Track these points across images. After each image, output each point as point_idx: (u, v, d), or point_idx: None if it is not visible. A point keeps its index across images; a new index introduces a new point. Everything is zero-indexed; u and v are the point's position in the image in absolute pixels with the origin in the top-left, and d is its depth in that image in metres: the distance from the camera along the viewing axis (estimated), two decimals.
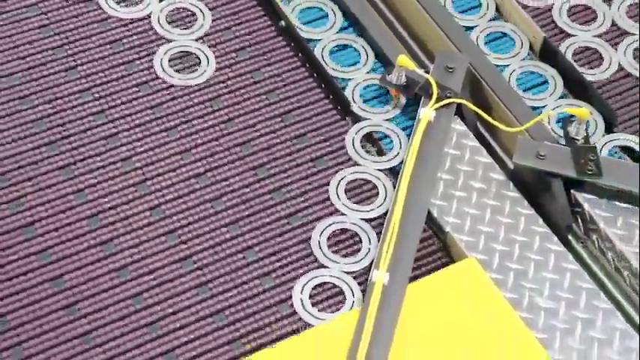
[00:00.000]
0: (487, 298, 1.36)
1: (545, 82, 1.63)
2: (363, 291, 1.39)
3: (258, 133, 1.59)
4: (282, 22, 1.65)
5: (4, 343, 1.34)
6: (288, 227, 1.49)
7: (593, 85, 1.61)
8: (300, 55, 1.65)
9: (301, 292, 1.39)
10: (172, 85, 1.62)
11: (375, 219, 1.46)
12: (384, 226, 1.42)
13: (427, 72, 1.56)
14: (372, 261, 1.42)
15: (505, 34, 1.67)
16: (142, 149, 1.56)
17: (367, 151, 1.54)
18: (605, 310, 1.35)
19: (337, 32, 1.66)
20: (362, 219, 1.46)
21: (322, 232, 1.45)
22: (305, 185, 1.53)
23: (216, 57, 1.65)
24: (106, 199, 1.49)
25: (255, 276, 1.45)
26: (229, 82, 1.63)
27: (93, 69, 1.64)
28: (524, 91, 1.62)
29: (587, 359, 1.32)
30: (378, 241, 1.43)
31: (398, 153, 1.52)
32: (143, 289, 1.41)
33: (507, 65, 1.64)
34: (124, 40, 1.66)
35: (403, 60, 1.54)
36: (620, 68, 1.64)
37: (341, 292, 1.41)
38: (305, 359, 1.32)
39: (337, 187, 1.49)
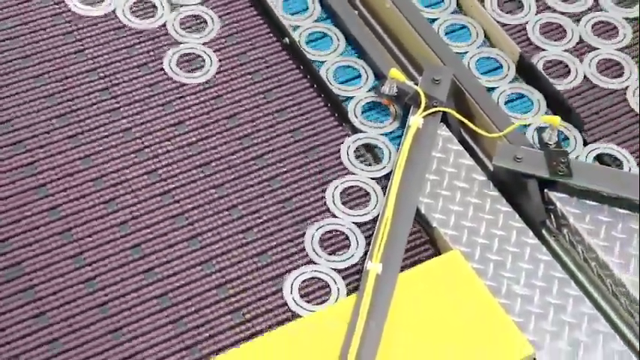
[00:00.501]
0: (469, 286, 1.35)
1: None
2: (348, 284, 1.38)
3: (243, 108, 1.58)
4: (287, 39, 1.64)
5: (20, 286, 1.35)
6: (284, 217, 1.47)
7: (562, 94, 1.60)
8: (302, 68, 1.64)
9: (291, 287, 1.38)
10: (170, 78, 1.60)
11: (365, 223, 1.45)
12: (378, 221, 1.42)
13: (416, 84, 1.56)
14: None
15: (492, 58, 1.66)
16: (140, 121, 1.55)
17: (365, 160, 1.52)
18: (575, 297, 1.36)
19: (340, 54, 1.65)
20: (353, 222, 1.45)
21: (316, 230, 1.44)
22: (301, 179, 1.51)
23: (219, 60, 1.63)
24: (109, 165, 1.49)
25: (240, 230, 1.44)
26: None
27: (99, 51, 1.62)
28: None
29: (559, 341, 1.32)
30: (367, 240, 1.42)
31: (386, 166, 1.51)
32: (141, 241, 1.43)
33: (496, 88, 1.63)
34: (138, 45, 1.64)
35: (395, 73, 1.54)
36: (586, 79, 1.64)
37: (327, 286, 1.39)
38: (306, 341, 1.31)
39: (333, 194, 1.48)
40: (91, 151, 1.50)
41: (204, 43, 1.65)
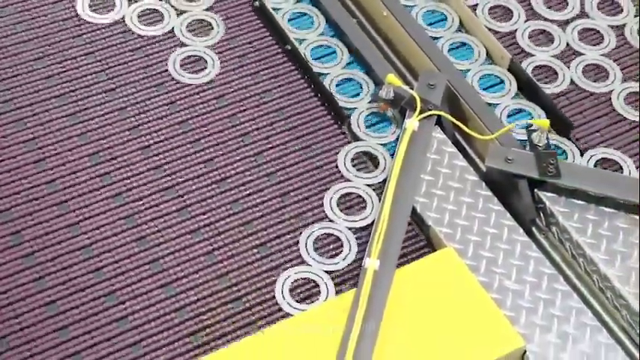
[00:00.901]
0: (463, 282, 1.35)
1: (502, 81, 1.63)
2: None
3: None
4: (288, 46, 1.64)
5: (21, 252, 1.38)
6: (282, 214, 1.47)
7: (549, 96, 1.60)
8: (300, 70, 1.63)
9: (282, 285, 1.38)
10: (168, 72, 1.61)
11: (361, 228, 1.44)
12: (375, 220, 1.42)
13: (412, 88, 1.55)
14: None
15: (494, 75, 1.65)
16: (135, 101, 1.57)
17: (365, 167, 1.52)
18: (564, 291, 1.36)
19: (344, 67, 1.64)
20: (348, 225, 1.44)
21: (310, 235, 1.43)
22: (299, 175, 1.51)
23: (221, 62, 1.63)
24: (105, 141, 1.51)
25: (241, 224, 1.44)
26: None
27: (107, 54, 1.63)
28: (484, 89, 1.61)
29: (548, 334, 1.32)
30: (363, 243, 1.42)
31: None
32: (134, 212, 1.44)
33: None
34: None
35: (392, 78, 1.55)
36: (572, 82, 1.63)
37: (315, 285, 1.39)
38: (306, 335, 1.30)
39: (330, 201, 1.47)
40: (99, 148, 1.50)
41: (207, 46, 1.63)
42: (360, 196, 1.47)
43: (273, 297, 1.36)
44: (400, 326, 1.31)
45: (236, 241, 1.43)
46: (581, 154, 1.54)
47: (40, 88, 1.57)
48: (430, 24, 1.71)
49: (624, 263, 1.38)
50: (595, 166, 1.53)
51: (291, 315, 1.35)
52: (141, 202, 1.45)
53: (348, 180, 1.49)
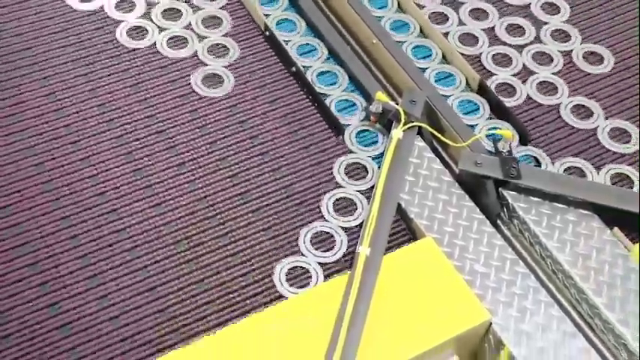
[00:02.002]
0: (440, 266, 1.35)
1: (478, 108, 1.62)
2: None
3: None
4: (294, 68, 1.63)
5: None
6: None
7: (511, 110, 1.59)
8: (301, 85, 1.61)
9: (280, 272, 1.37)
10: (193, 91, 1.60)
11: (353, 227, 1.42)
12: (366, 215, 1.41)
13: (397, 104, 1.55)
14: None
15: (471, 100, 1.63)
16: (164, 109, 1.55)
17: (355, 175, 1.49)
18: (523, 274, 1.37)
19: (344, 90, 1.63)
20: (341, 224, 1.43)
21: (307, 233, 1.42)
22: (299, 170, 1.50)
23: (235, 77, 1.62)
24: (138, 142, 1.49)
25: (249, 211, 1.42)
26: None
27: (141, 71, 1.61)
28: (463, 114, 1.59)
29: (510, 308, 1.32)
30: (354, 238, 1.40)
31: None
32: (163, 200, 1.41)
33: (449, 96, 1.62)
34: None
35: (380, 95, 1.55)
36: (528, 97, 1.63)
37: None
38: (307, 311, 1.29)
39: (327, 203, 1.46)
40: (132, 148, 1.50)
41: (224, 66, 1.63)
42: (352, 200, 1.46)
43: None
44: (386, 303, 1.30)
45: (244, 226, 1.42)
46: (538, 163, 1.54)
47: (87, 97, 1.57)
48: (419, 57, 1.69)
49: (573, 250, 1.39)
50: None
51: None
52: (168, 192, 1.45)
53: (341, 186, 1.48)
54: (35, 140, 1.50)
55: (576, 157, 1.55)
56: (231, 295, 1.34)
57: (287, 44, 1.68)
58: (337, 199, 1.47)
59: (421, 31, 1.74)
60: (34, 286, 1.31)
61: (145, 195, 1.45)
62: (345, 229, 1.42)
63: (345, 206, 1.46)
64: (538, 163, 1.54)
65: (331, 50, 1.69)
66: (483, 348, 1.33)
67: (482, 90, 1.64)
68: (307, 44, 1.70)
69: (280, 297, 1.34)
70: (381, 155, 1.52)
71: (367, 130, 1.57)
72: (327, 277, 1.36)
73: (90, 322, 1.29)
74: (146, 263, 1.36)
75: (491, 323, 1.31)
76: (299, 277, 1.37)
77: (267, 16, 1.72)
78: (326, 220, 1.43)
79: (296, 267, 1.37)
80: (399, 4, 1.79)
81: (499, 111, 1.62)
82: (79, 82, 1.60)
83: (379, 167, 1.49)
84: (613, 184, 1.52)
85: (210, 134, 1.54)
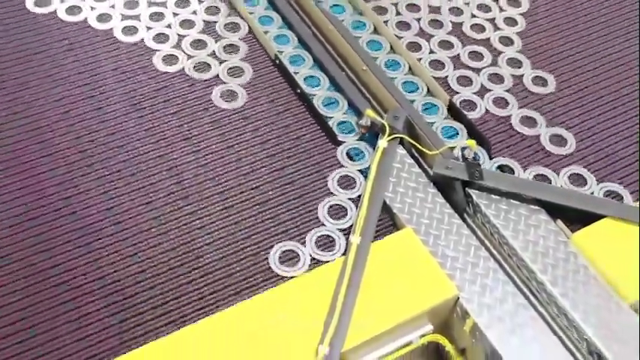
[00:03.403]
0: (417, 252, 1.35)
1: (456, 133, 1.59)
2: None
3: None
4: (298, 90, 1.62)
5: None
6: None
7: (472, 121, 1.59)
8: (304, 104, 1.61)
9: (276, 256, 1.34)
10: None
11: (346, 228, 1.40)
12: (357, 210, 1.40)
13: (383, 118, 1.54)
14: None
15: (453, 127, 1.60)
16: (189, 120, 1.53)
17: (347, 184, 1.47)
18: (485, 257, 1.37)
19: (344, 113, 1.61)
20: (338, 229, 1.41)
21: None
22: (302, 169, 1.48)
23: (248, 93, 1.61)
24: (169, 147, 1.47)
25: (259, 202, 1.41)
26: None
27: (172, 89, 1.60)
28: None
29: (474, 285, 1.32)
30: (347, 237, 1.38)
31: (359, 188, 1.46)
32: (188, 194, 1.39)
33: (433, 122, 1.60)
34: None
35: (369, 112, 1.54)
36: (486, 111, 1.63)
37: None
38: (306, 292, 1.28)
39: (324, 210, 1.44)
40: (163, 152, 1.49)
41: (239, 84, 1.63)
42: (344, 207, 1.45)
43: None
44: (374, 282, 1.29)
45: (254, 216, 1.40)
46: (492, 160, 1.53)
47: (130, 111, 1.56)
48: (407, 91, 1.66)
49: (524, 238, 1.39)
50: (503, 171, 1.53)
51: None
52: (191, 187, 1.44)
53: (334, 194, 1.47)
54: (87, 145, 1.50)
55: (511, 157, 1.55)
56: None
57: (296, 75, 1.66)
58: (331, 206, 1.45)
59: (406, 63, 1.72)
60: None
61: (173, 190, 1.44)
62: (341, 230, 1.41)
63: (338, 211, 1.44)
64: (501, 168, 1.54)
65: (332, 79, 1.68)
66: (452, 318, 1.34)
67: (451, 108, 1.63)
68: (313, 76, 1.68)
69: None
70: (367, 169, 1.50)
71: (357, 148, 1.56)
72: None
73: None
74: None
75: (458, 297, 1.31)
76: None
77: (280, 52, 1.70)
78: (323, 225, 1.41)
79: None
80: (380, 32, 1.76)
81: (469, 128, 1.61)
82: (124, 98, 1.60)
83: (365, 178, 1.47)
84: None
85: (227, 140, 1.54)
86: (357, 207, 1.42)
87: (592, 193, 1.50)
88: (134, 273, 1.30)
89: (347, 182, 1.48)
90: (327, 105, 1.62)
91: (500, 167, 1.54)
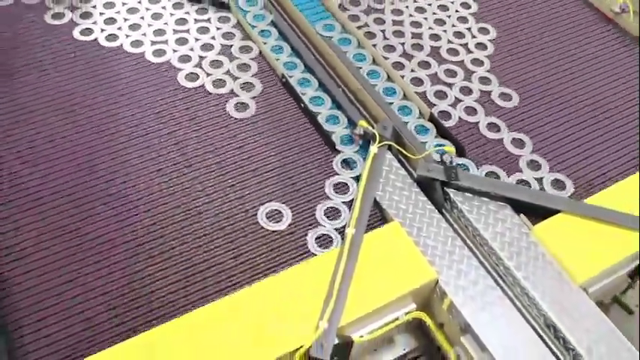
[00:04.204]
0: (403, 242, 1.36)
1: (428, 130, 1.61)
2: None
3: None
4: (302, 104, 1.64)
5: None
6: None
7: (449, 129, 1.61)
8: (303, 108, 1.63)
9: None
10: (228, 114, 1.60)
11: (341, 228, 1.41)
12: (352, 207, 1.41)
13: (374, 128, 1.56)
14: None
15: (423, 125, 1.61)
16: (206, 125, 1.55)
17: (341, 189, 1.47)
18: (460, 246, 1.38)
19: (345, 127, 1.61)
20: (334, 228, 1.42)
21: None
22: (303, 165, 1.50)
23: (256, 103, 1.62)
24: (189, 148, 1.49)
25: (267, 193, 1.42)
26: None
27: (194, 104, 1.62)
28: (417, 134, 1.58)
29: (451, 270, 1.33)
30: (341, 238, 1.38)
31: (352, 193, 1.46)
32: (204, 187, 1.42)
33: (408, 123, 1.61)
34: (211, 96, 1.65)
35: (362, 123, 1.57)
36: (459, 120, 1.65)
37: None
38: (308, 276, 1.28)
39: (322, 211, 1.44)
40: (183, 152, 1.50)
41: (250, 97, 1.65)
42: (338, 209, 1.46)
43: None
44: (365, 268, 1.30)
45: (264, 204, 1.41)
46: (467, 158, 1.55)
47: (158, 123, 1.58)
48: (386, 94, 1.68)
49: (493, 230, 1.41)
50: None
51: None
52: (207, 179, 1.46)
53: (330, 198, 1.48)
54: (121, 138, 1.54)
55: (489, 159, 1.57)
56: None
57: (303, 95, 1.67)
58: (327, 208, 1.46)
59: (388, 77, 1.75)
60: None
61: (190, 184, 1.47)
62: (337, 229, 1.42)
63: (333, 213, 1.46)
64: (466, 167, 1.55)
65: (333, 98, 1.69)
66: (433, 298, 1.35)
67: (432, 118, 1.65)
68: (319, 97, 1.69)
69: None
70: (359, 176, 1.51)
71: (351, 159, 1.56)
72: None
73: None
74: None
75: (438, 280, 1.32)
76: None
77: (290, 77, 1.70)
78: (322, 225, 1.42)
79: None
80: (373, 59, 1.79)
81: (444, 133, 1.63)
82: (150, 112, 1.63)
83: (357, 183, 1.48)
84: (517, 183, 1.54)
85: (238, 143, 1.56)
86: (350, 209, 1.42)
87: (542, 178, 1.52)
88: (147, 225, 1.38)
89: (342, 188, 1.50)
90: (328, 121, 1.64)
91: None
